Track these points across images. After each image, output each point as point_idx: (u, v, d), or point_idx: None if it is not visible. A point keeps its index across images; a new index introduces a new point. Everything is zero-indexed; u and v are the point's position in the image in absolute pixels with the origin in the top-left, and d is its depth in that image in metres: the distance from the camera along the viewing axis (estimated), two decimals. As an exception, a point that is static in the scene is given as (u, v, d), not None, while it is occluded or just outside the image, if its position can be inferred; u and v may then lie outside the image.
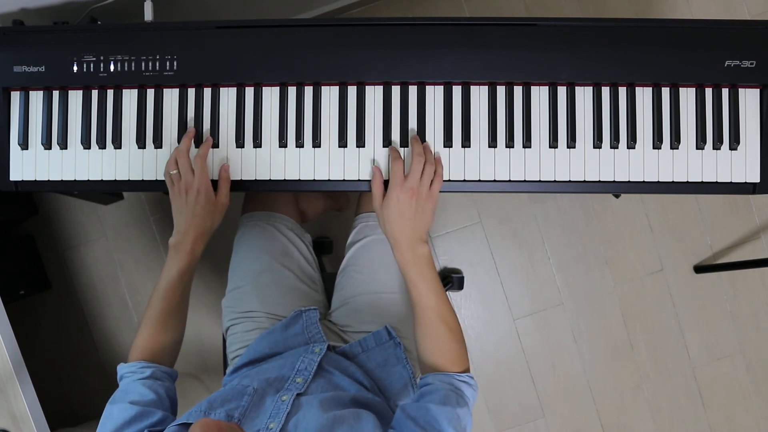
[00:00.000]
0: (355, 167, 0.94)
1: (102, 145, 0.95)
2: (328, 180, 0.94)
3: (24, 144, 0.96)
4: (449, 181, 0.93)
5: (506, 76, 0.93)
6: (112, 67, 0.94)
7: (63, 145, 0.96)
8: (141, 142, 0.95)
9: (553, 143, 0.93)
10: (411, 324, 0.89)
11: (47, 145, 0.96)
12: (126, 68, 0.94)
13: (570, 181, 0.93)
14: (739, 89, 0.93)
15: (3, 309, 1.11)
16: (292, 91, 0.94)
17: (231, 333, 1.06)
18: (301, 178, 0.94)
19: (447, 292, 1.75)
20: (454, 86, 0.93)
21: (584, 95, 0.94)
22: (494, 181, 0.93)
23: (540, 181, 0.93)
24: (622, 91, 0.94)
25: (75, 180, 0.96)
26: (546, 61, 0.92)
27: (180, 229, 0.89)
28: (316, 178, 0.94)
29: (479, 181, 0.93)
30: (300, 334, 0.98)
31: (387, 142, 0.93)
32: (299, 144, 0.94)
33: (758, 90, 0.93)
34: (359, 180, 0.94)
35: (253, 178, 0.94)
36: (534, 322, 1.77)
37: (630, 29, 0.92)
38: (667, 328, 1.77)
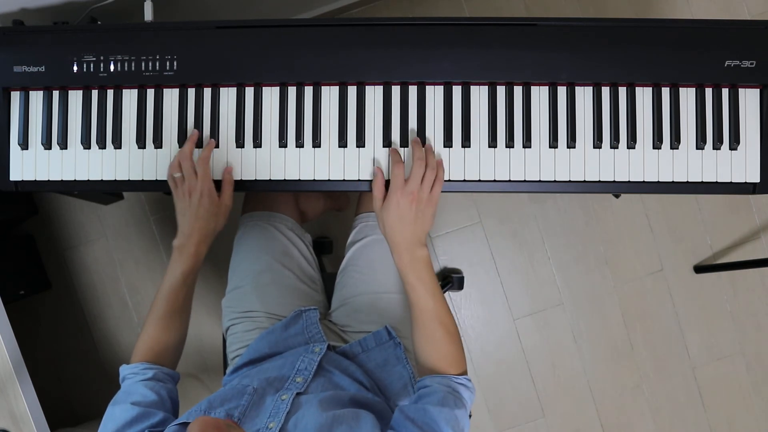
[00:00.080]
0: (355, 167, 0.94)
1: (102, 145, 0.96)
2: (328, 180, 0.94)
3: (24, 144, 0.96)
4: (449, 181, 0.93)
5: (506, 76, 0.93)
6: (112, 67, 0.94)
7: (63, 145, 0.96)
8: (141, 142, 0.95)
9: (553, 143, 0.93)
10: (410, 325, 0.89)
11: (47, 145, 0.96)
12: (126, 68, 0.94)
13: (570, 181, 0.93)
14: (739, 89, 0.93)
15: (3, 309, 1.11)
16: (292, 91, 0.94)
17: (231, 333, 1.06)
18: (301, 178, 0.94)
19: (447, 292, 1.76)
20: (454, 86, 0.94)
21: (584, 95, 0.94)
22: (494, 181, 0.93)
23: (540, 181, 0.93)
24: (622, 91, 0.94)
25: (75, 180, 0.96)
26: (546, 61, 0.92)
27: (184, 231, 0.89)
28: (316, 178, 0.94)
29: (479, 181, 0.93)
30: (300, 334, 0.98)
31: (387, 142, 0.93)
32: (299, 144, 0.94)
33: (758, 90, 0.93)
34: (359, 180, 0.94)
35: (253, 178, 0.94)
36: (534, 322, 1.77)
37: (630, 29, 0.92)
38: (667, 328, 1.77)
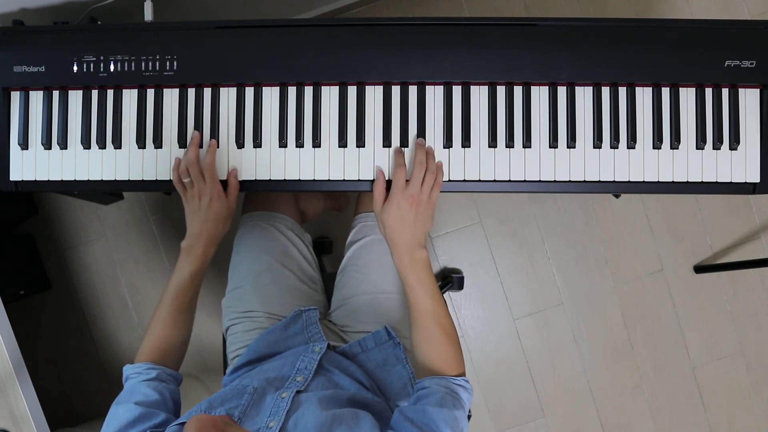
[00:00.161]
0: (354, 167, 0.94)
1: (102, 145, 0.96)
2: (328, 180, 0.94)
3: (24, 144, 0.96)
4: (449, 181, 0.93)
5: (506, 76, 0.93)
6: (112, 67, 0.94)
7: (63, 145, 0.96)
8: (141, 142, 0.95)
9: (553, 143, 0.93)
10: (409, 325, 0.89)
11: (47, 145, 0.96)
12: (126, 68, 0.94)
13: (570, 181, 0.93)
14: (739, 89, 0.93)
15: (3, 309, 1.11)
16: (292, 91, 0.94)
17: (231, 333, 1.06)
18: (301, 178, 0.94)
19: (447, 292, 1.76)
20: (454, 86, 0.94)
21: (584, 95, 0.94)
22: (494, 181, 0.93)
23: (540, 181, 0.93)
24: (622, 91, 0.94)
25: (75, 180, 0.96)
26: (546, 61, 0.92)
27: (193, 233, 0.90)
28: (316, 178, 0.94)
29: (479, 181, 0.93)
30: (300, 334, 0.98)
31: (387, 142, 0.93)
32: (299, 144, 0.94)
33: (758, 90, 0.93)
34: (359, 180, 0.94)
35: (253, 178, 0.95)
36: (534, 322, 1.77)
37: (630, 29, 0.92)
38: (667, 328, 1.77)
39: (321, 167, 0.94)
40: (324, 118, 0.94)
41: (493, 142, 0.93)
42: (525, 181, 0.93)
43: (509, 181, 0.93)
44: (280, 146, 0.94)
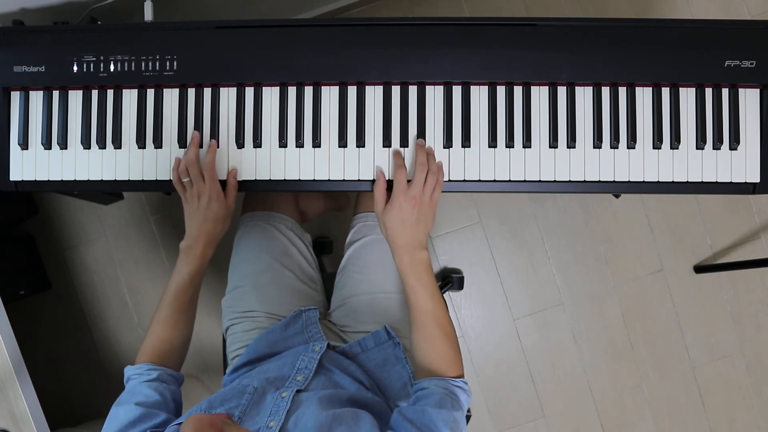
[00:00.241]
0: (354, 167, 0.94)
1: (102, 145, 0.96)
2: (328, 180, 0.94)
3: (24, 144, 0.96)
4: (449, 181, 0.93)
5: (506, 76, 0.93)
6: (112, 67, 0.94)
7: (63, 145, 0.96)
8: (141, 142, 0.95)
9: (553, 143, 0.93)
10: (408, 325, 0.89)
11: (47, 145, 0.96)
12: (126, 68, 0.94)
13: (570, 181, 0.93)
14: (739, 89, 0.93)
15: (3, 309, 1.11)
16: (292, 91, 0.94)
17: (231, 333, 1.06)
18: (301, 178, 0.94)
19: (447, 292, 1.76)
20: (454, 86, 0.94)
21: (584, 95, 0.94)
22: (494, 181, 0.93)
23: (540, 181, 0.93)
24: (622, 91, 0.94)
25: (75, 180, 0.96)
26: (546, 61, 0.92)
27: (192, 234, 0.90)
28: (316, 178, 0.94)
29: (479, 181, 0.93)
30: (299, 334, 0.98)
31: (387, 142, 0.93)
32: (299, 144, 0.94)
33: (758, 90, 0.93)
34: (359, 180, 0.94)
35: (253, 178, 0.95)
36: (534, 322, 1.77)
37: (630, 29, 0.92)
38: (667, 328, 1.77)
39: (321, 167, 0.94)
40: (324, 118, 0.94)
41: (493, 142, 0.93)
42: (525, 181, 0.93)
43: (509, 181, 0.93)
44: (280, 146, 0.94)
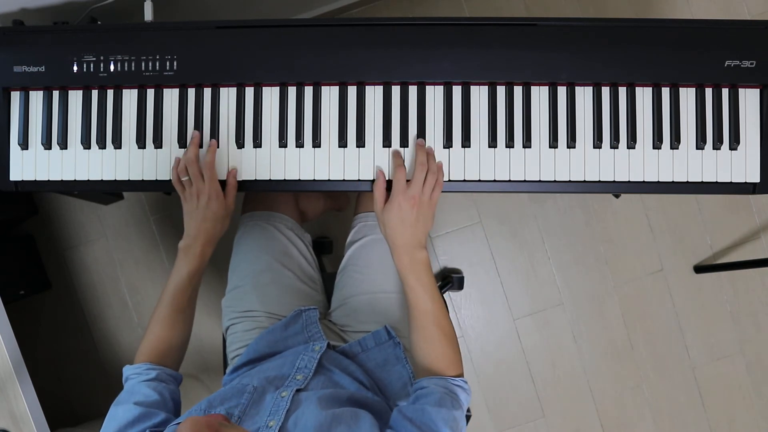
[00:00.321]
0: (355, 167, 0.94)
1: (102, 145, 0.96)
2: (328, 180, 0.94)
3: (24, 144, 0.96)
4: (449, 181, 0.93)
5: (506, 76, 0.93)
6: (112, 67, 0.94)
7: (63, 145, 0.96)
8: (141, 142, 0.95)
9: (553, 143, 0.93)
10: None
11: (47, 145, 0.96)
12: (126, 68, 0.94)
13: (570, 181, 0.93)
14: (739, 89, 0.93)
15: (3, 309, 1.11)
16: (292, 91, 0.94)
17: (231, 332, 1.06)
18: (301, 178, 0.94)
19: (447, 292, 1.76)
20: (454, 86, 0.94)
21: (584, 95, 0.94)
22: (494, 181, 0.93)
23: (540, 181, 0.93)
24: (622, 91, 0.94)
25: (75, 180, 0.96)
26: (546, 61, 0.92)
27: (190, 233, 0.90)
28: (316, 178, 0.94)
29: (479, 181, 0.93)
30: (300, 334, 0.98)
31: (387, 142, 0.93)
32: (299, 144, 0.94)
33: (758, 90, 0.93)
34: (359, 180, 0.94)
35: (253, 178, 0.95)
36: (534, 322, 1.77)
37: (630, 29, 0.92)
38: (667, 328, 1.77)
39: (321, 167, 0.94)
40: (324, 118, 0.94)
41: (493, 142, 0.93)
42: (525, 181, 0.93)
43: (509, 181, 0.93)
44: (280, 146, 0.94)
